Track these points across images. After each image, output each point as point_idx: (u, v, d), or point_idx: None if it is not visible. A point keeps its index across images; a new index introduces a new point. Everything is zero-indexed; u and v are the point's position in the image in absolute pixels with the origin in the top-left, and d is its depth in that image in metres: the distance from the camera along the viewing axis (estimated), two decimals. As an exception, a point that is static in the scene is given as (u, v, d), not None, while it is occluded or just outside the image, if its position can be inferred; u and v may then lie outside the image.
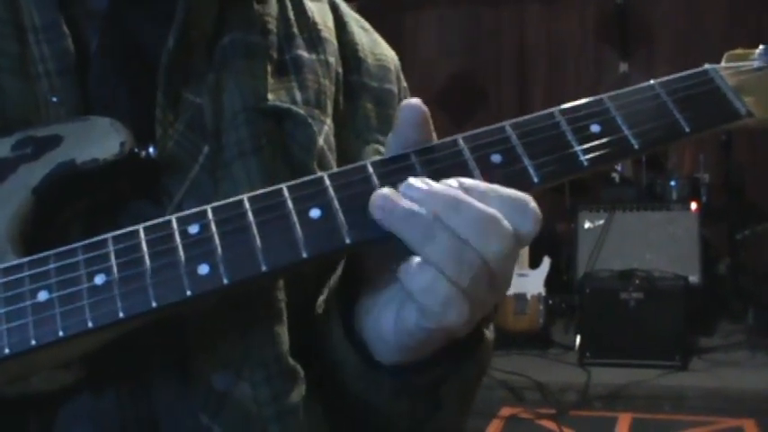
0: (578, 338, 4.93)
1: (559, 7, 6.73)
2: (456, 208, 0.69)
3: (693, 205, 5.35)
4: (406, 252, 0.69)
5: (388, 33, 1.09)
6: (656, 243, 5.30)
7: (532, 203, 0.71)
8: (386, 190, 0.70)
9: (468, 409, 0.90)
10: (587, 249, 5.33)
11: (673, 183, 5.55)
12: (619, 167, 5.82)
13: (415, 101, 0.75)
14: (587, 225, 5.49)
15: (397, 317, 0.73)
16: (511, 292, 5.17)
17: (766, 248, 5.61)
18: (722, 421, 4.20)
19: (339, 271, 0.85)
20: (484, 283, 0.69)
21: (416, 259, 0.68)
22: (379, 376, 0.80)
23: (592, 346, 4.86)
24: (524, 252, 5.23)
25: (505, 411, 4.32)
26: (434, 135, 0.76)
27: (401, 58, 1.07)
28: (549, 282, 5.27)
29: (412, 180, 0.70)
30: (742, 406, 4.30)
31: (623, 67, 5.88)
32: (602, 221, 5.41)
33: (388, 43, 1.06)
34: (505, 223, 0.69)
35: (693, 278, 5.13)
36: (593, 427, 4.17)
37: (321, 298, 0.86)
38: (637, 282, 4.94)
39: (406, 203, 0.69)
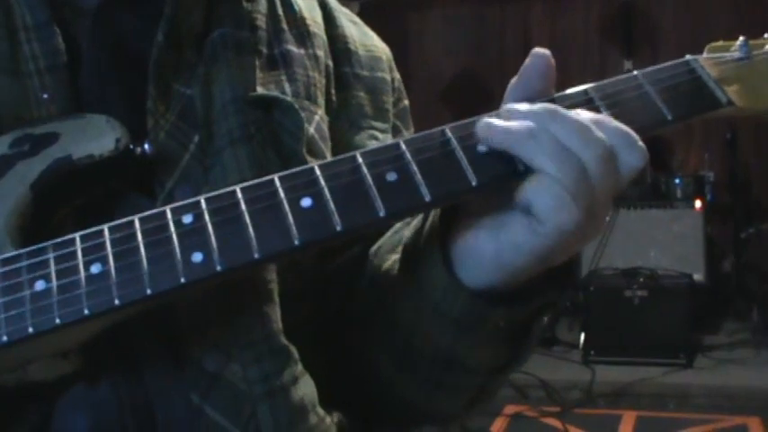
0: (582, 336, 4.93)
1: (564, 6, 6.73)
2: (555, 117, 0.73)
3: (698, 203, 5.34)
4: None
5: (392, 32, 1.11)
6: (661, 241, 5.29)
7: (640, 141, 0.75)
8: (487, 118, 0.75)
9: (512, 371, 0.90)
10: (591, 247, 5.32)
11: (677, 181, 5.54)
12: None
13: (544, 50, 0.79)
14: (592, 223, 5.48)
15: (501, 234, 0.75)
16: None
17: (771, 247, 5.61)
18: (727, 419, 4.20)
19: (409, 230, 0.87)
20: (587, 192, 0.72)
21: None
22: (485, 310, 0.79)
23: (596, 344, 4.86)
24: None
25: (510, 409, 4.33)
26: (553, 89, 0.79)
27: (406, 58, 1.10)
28: (553, 280, 5.26)
29: (510, 105, 0.75)
30: (747, 404, 4.30)
31: (628, 65, 5.88)
32: (606, 219, 5.41)
33: (392, 42, 1.09)
34: (600, 134, 0.73)
35: (698, 276, 5.13)
36: (598, 424, 4.17)
37: (394, 257, 0.88)
38: (641, 280, 4.93)
39: (509, 122, 0.74)
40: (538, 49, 0.79)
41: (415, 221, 0.86)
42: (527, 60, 0.79)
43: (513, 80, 0.80)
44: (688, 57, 0.84)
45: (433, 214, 0.82)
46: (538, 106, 0.75)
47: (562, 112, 0.74)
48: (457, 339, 0.82)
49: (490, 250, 0.76)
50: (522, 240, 0.74)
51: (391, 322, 0.86)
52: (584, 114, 0.75)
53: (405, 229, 0.90)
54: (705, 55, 0.85)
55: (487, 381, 0.89)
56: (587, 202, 0.72)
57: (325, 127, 0.93)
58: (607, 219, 0.77)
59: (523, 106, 0.75)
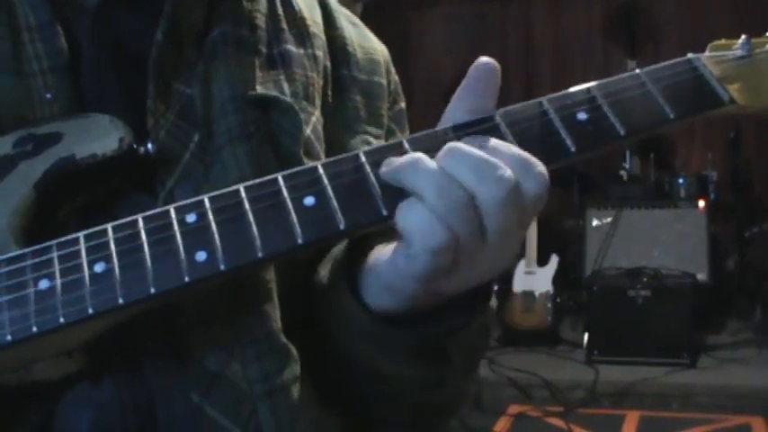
0: (586, 336, 4.92)
1: (566, 5, 6.73)
2: (450, 151, 0.72)
3: (701, 203, 5.33)
4: None
5: (393, 32, 1.11)
6: (664, 241, 5.28)
7: (541, 167, 0.73)
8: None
9: (467, 384, 0.90)
10: (595, 247, 5.33)
11: (681, 180, 5.53)
12: (626, 165, 5.81)
13: (488, 59, 0.78)
14: (595, 223, 5.48)
15: (388, 258, 0.76)
16: (519, 289, 5.18)
17: (774, 246, 5.61)
18: (730, 419, 4.19)
19: (342, 243, 0.87)
20: (469, 223, 0.71)
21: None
22: (390, 332, 0.80)
23: (600, 343, 4.85)
24: (532, 250, 5.23)
25: (513, 409, 4.32)
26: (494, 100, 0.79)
27: (407, 57, 1.10)
28: (556, 279, 5.25)
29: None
30: (750, 403, 4.29)
31: (632, 64, 5.87)
32: (609, 219, 5.41)
33: (393, 42, 1.08)
34: (502, 171, 0.71)
35: (701, 276, 5.11)
36: (601, 424, 4.16)
37: (326, 269, 0.88)
38: (645, 279, 4.92)
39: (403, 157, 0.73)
40: (482, 59, 0.79)
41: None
42: (471, 70, 0.79)
43: (458, 90, 0.80)
44: (690, 55, 0.84)
45: (339, 248, 0.84)
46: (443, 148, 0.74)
47: (461, 147, 0.73)
48: (373, 353, 0.83)
49: (380, 274, 0.78)
50: (400, 263, 0.74)
51: (324, 330, 0.87)
52: (488, 144, 0.74)
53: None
54: (707, 53, 0.85)
55: (423, 398, 0.89)
56: (468, 230, 0.71)
57: (320, 128, 0.93)
58: (515, 249, 0.76)
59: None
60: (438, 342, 0.82)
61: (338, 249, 0.88)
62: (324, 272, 0.89)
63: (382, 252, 0.79)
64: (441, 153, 0.73)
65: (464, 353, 0.85)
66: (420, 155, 0.73)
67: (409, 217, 0.72)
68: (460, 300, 0.78)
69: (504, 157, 0.73)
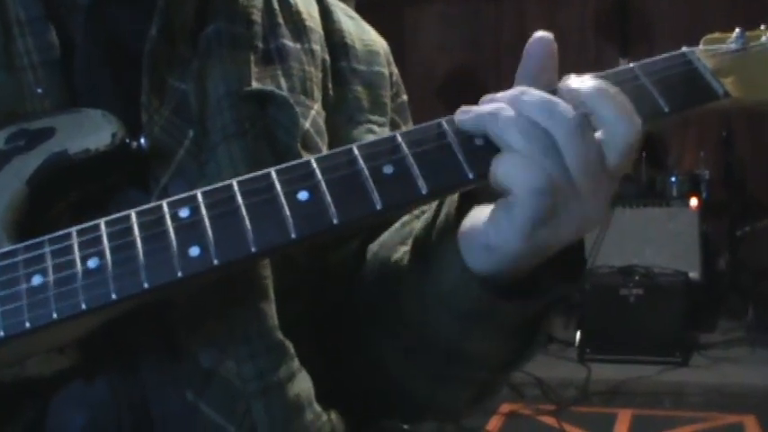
0: (578, 334, 4.93)
1: (560, 2, 6.74)
2: (522, 94, 0.74)
3: (693, 201, 5.33)
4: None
5: (388, 29, 1.11)
6: (656, 239, 5.29)
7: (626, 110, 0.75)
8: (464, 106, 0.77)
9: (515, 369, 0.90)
10: (587, 245, 5.31)
11: (673, 179, 5.53)
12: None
13: (543, 33, 0.79)
14: (587, 221, 5.48)
15: (489, 218, 0.75)
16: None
17: (766, 245, 5.61)
18: (722, 417, 4.20)
19: (421, 222, 0.87)
20: (556, 162, 0.72)
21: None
22: (496, 300, 0.78)
23: (592, 342, 4.85)
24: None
25: (505, 408, 4.32)
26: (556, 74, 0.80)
27: (402, 54, 1.10)
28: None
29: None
30: (742, 402, 4.30)
31: (623, 62, 5.88)
32: (602, 218, 5.40)
33: (388, 38, 1.08)
34: (563, 107, 0.73)
35: (693, 274, 5.12)
36: (594, 423, 4.17)
37: (404, 249, 0.87)
38: (637, 278, 4.93)
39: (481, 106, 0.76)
40: (538, 33, 0.79)
41: (427, 215, 0.86)
42: (528, 47, 0.79)
43: (518, 72, 0.80)
44: (684, 48, 0.84)
45: (448, 207, 0.82)
46: (511, 90, 0.76)
47: (530, 90, 0.75)
48: (465, 331, 0.82)
49: (477, 235, 0.76)
50: (501, 218, 0.74)
51: (400, 314, 0.86)
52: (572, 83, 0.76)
53: (414, 222, 0.90)
54: (702, 47, 0.85)
55: (492, 376, 0.89)
56: (557, 169, 0.72)
57: (321, 121, 0.93)
58: (606, 199, 0.75)
59: (500, 93, 0.76)
60: (535, 315, 0.81)
61: (417, 227, 0.87)
62: (399, 252, 0.88)
63: (477, 217, 0.77)
64: (509, 97, 0.75)
65: (546, 330, 0.85)
66: (496, 105, 0.74)
67: (505, 166, 0.72)
68: (555, 269, 0.78)
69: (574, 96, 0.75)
